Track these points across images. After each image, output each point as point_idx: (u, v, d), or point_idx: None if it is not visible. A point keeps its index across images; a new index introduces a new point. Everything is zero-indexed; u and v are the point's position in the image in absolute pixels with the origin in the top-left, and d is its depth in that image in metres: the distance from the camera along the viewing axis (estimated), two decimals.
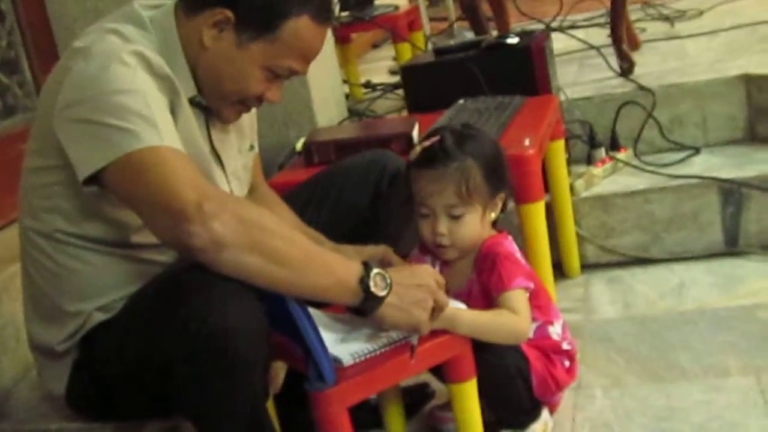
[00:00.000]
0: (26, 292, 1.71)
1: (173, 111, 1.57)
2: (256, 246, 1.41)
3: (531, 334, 1.85)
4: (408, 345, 1.58)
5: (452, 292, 1.73)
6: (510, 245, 1.83)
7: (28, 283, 1.69)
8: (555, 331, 1.90)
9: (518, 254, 1.84)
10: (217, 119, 1.70)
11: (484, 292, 1.81)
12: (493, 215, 1.84)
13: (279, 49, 1.60)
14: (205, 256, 1.40)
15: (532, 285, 1.81)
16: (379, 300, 1.51)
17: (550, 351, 1.89)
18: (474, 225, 1.80)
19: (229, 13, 1.57)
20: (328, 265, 1.49)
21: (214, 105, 1.67)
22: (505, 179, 1.84)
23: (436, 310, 1.57)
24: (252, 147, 1.91)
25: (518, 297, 1.77)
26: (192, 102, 1.63)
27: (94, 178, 1.47)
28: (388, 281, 1.52)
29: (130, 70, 1.49)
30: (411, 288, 1.55)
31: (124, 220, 1.56)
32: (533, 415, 1.87)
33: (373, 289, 1.50)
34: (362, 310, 1.53)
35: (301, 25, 1.59)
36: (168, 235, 1.44)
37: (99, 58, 1.50)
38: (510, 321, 1.75)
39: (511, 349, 1.82)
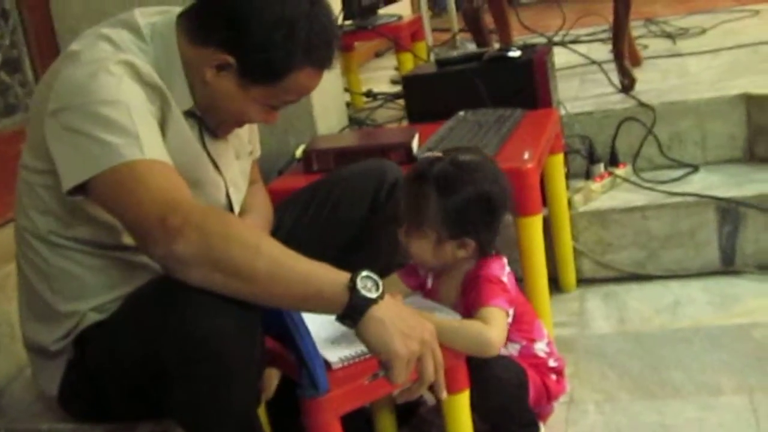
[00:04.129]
0: (21, 291, 1.71)
1: (163, 120, 1.58)
2: (217, 263, 1.39)
3: (515, 353, 1.86)
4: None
5: (447, 304, 1.75)
6: (497, 269, 1.81)
7: (23, 283, 1.69)
8: (541, 348, 1.91)
9: (506, 278, 1.80)
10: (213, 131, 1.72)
11: (471, 315, 1.78)
12: (460, 253, 1.80)
13: (279, 92, 1.62)
14: (174, 273, 1.41)
15: (511, 311, 1.78)
16: (368, 302, 1.41)
17: (540, 367, 1.89)
18: (425, 250, 1.79)
19: (231, 60, 1.56)
20: (304, 272, 1.42)
21: (211, 123, 1.69)
22: (479, 229, 1.79)
23: (434, 365, 1.47)
24: (252, 153, 1.92)
25: (493, 313, 1.73)
26: (186, 112, 1.63)
27: (79, 188, 1.48)
28: (381, 288, 1.44)
29: (115, 79, 1.50)
30: (402, 317, 1.46)
31: (112, 222, 1.56)
32: (534, 428, 1.87)
33: (362, 290, 1.41)
34: (346, 317, 1.43)
35: (303, 74, 1.60)
36: (144, 251, 1.48)
37: (87, 66, 1.51)
38: (480, 330, 1.69)
39: (512, 363, 1.82)
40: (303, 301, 1.43)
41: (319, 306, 1.44)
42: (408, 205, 1.79)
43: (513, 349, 1.88)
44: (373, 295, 1.43)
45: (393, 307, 1.46)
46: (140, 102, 1.52)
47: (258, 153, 1.97)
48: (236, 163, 1.81)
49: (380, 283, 1.44)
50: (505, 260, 1.84)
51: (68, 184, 1.47)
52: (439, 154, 1.84)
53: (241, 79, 1.59)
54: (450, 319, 1.71)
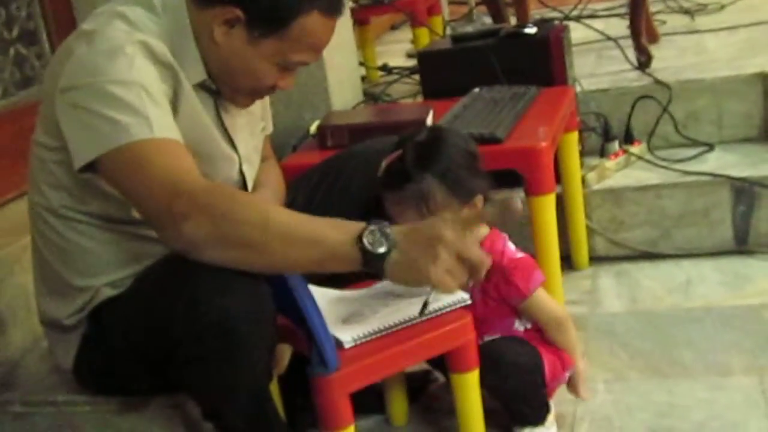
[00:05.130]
0: (36, 266, 1.73)
1: (176, 99, 1.58)
2: (229, 240, 1.40)
3: (530, 326, 1.87)
4: (415, 326, 1.59)
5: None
6: (505, 246, 1.84)
7: (37, 257, 1.71)
8: None
9: (511, 247, 1.85)
10: (231, 104, 1.71)
11: (485, 300, 1.83)
12: None
13: (290, 45, 1.60)
14: (187, 255, 1.42)
15: (542, 276, 1.84)
16: (380, 258, 1.39)
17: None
18: None
19: (239, 12, 1.56)
20: (314, 236, 1.41)
21: (228, 93, 1.68)
22: (478, 182, 1.79)
23: (466, 263, 1.40)
24: (264, 129, 1.92)
25: (540, 298, 1.82)
26: (201, 86, 1.64)
27: (89, 165, 1.49)
28: (391, 237, 1.39)
29: (128, 59, 1.50)
30: (418, 243, 1.40)
31: (123, 197, 1.58)
32: (547, 408, 1.88)
33: (369, 247, 1.38)
34: (370, 272, 1.42)
35: (311, 20, 1.59)
36: (156, 233, 1.50)
37: (101, 45, 1.52)
38: (561, 318, 1.86)
39: (527, 347, 1.84)
40: (319, 264, 1.43)
41: (337, 267, 1.44)
42: (412, 209, 1.74)
43: (528, 323, 1.89)
44: (383, 248, 1.39)
45: (407, 242, 1.40)
46: (152, 81, 1.52)
47: (270, 129, 1.98)
48: (250, 139, 1.82)
49: (387, 230, 1.40)
50: (496, 230, 1.86)
51: (79, 163, 1.49)
52: (388, 159, 1.80)
53: (251, 33, 1.58)
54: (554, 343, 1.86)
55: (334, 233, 1.41)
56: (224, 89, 1.68)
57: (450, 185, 1.75)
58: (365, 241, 1.38)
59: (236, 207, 1.42)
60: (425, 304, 1.58)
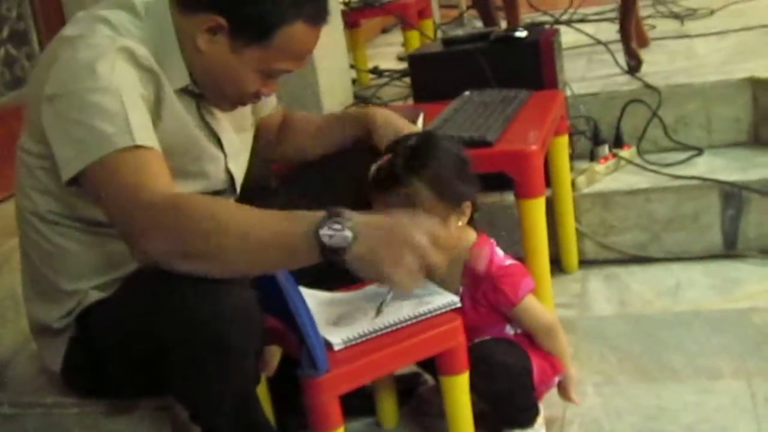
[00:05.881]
0: (24, 270, 1.72)
1: (158, 104, 1.58)
2: (186, 253, 1.40)
3: (519, 330, 1.87)
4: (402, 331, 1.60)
5: (451, 291, 1.75)
6: (493, 253, 1.84)
7: (25, 261, 1.71)
8: None
9: (500, 254, 1.85)
10: (214, 108, 1.71)
11: (475, 307, 1.83)
12: (460, 222, 1.81)
13: (274, 54, 1.59)
14: (161, 266, 1.42)
15: (532, 283, 1.85)
16: (339, 253, 1.36)
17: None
18: None
19: (222, 21, 1.56)
20: (270, 236, 1.39)
21: (212, 99, 1.68)
22: (467, 189, 1.80)
23: (429, 268, 1.40)
24: (267, 107, 1.93)
25: (529, 305, 1.83)
26: (184, 91, 1.63)
27: (74, 179, 1.49)
28: (351, 227, 1.36)
29: (109, 65, 1.49)
30: (383, 240, 1.38)
31: None
32: (536, 410, 1.88)
33: (328, 242, 1.35)
34: (333, 262, 1.38)
35: (295, 30, 1.58)
36: None
37: (85, 52, 1.51)
38: (550, 324, 1.87)
39: (517, 348, 1.84)
40: (283, 263, 1.43)
41: (301, 263, 1.41)
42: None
43: (519, 328, 1.89)
44: (342, 243, 1.36)
45: (371, 237, 1.38)
46: (133, 86, 1.52)
47: (275, 102, 1.98)
48: (235, 138, 1.81)
49: (347, 217, 1.37)
50: (484, 236, 1.87)
51: (66, 176, 1.49)
52: (378, 163, 1.80)
53: (234, 42, 1.57)
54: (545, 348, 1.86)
55: (293, 228, 1.38)
56: (208, 94, 1.67)
57: (438, 190, 1.75)
58: (321, 233, 1.36)
59: (185, 221, 1.40)
60: (380, 306, 1.59)
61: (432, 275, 1.45)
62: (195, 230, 1.39)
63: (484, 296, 1.83)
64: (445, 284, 1.77)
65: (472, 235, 1.85)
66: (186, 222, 1.40)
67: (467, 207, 1.81)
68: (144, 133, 1.49)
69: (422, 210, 1.71)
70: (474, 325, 1.81)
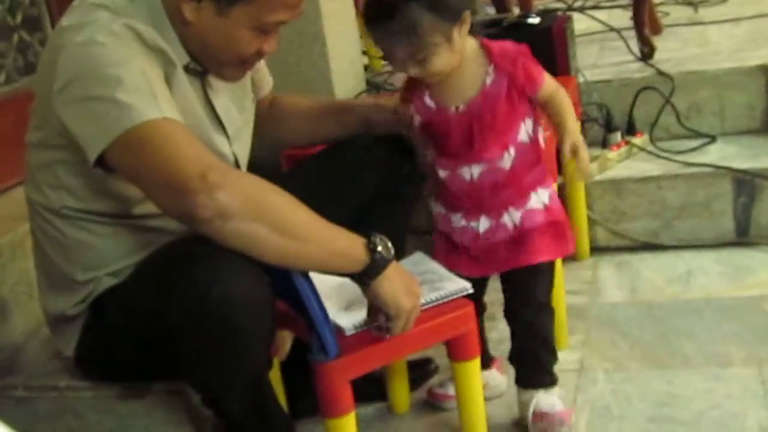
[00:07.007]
0: (37, 261, 1.73)
1: (168, 83, 1.56)
2: (260, 215, 1.41)
3: (547, 200, 1.86)
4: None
5: (462, 103, 1.77)
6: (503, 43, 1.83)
7: (39, 254, 1.71)
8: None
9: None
10: (218, 82, 1.70)
11: (509, 95, 1.80)
12: (465, 29, 1.76)
13: (260, 7, 1.57)
14: (210, 226, 1.39)
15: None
16: (386, 262, 1.52)
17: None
18: (445, 56, 1.73)
19: None
20: (331, 232, 1.50)
21: (214, 70, 1.66)
22: None
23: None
24: (262, 88, 1.93)
25: (550, 82, 1.84)
26: (187, 69, 1.62)
27: (100, 159, 1.46)
28: (392, 252, 1.54)
29: (122, 41, 1.48)
30: (405, 279, 1.56)
31: (126, 194, 1.58)
32: (554, 376, 1.91)
33: (381, 250, 1.51)
34: (365, 275, 1.52)
35: None
36: (173, 208, 1.43)
37: (90, 33, 1.49)
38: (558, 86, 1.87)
39: (545, 305, 1.88)
40: (329, 260, 1.49)
41: (342, 265, 1.51)
42: (402, 42, 1.70)
43: (545, 196, 1.87)
44: (390, 255, 1.53)
45: (398, 268, 1.56)
46: (148, 64, 1.51)
47: (271, 82, 1.98)
48: (238, 117, 1.79)
49: (389, 243, 1.54)
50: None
51: (94, 153, 1.46)
52: None
53: (218, 4, 1.55)
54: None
55: (346, 233, 1.51)
56: (210, 67, 1.65)
57: (436, 8, 1.69)
58: (378, 243, 1.51)
59: (266, 189, 1.46)
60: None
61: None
62: (277, 200, 1.46)
63: (511, 79, 1.79)
64: (459, 87, 1.78)
65: (473, 42, 1.81)
66: (269, 193, 1.46)
67: (467, 15, 1.75)
68: (169, 107, 1.48)
69: (423, 32, 1.68)
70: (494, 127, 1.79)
